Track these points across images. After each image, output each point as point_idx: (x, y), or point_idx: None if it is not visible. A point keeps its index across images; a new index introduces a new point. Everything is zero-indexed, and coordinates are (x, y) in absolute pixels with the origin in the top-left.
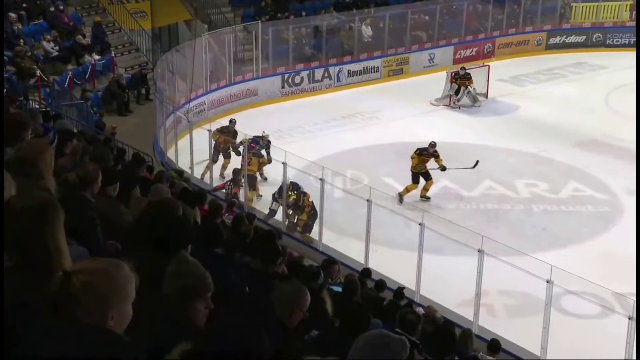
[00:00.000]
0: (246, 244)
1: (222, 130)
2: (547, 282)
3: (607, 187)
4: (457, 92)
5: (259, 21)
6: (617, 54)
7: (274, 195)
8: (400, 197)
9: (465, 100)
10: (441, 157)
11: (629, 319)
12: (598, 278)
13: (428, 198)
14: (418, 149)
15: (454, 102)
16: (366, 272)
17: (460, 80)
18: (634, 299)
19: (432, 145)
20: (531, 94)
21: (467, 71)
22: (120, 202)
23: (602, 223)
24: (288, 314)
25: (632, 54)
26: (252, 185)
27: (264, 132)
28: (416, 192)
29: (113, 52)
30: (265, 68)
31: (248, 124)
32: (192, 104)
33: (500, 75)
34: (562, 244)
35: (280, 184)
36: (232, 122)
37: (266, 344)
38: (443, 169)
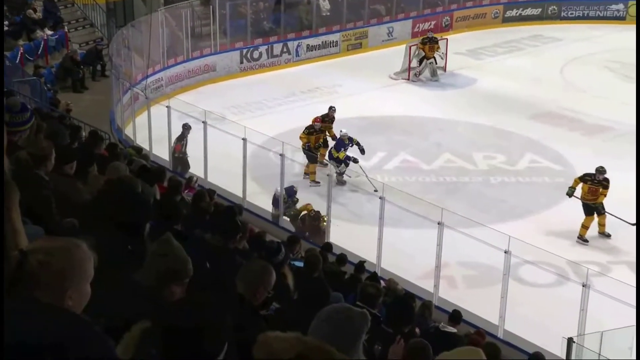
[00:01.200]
0: (206, 220)
1: (310, 132)
2: (505, 252)
3: (563, 158)
4: (421, 62)
5: None
6: (571, 27)
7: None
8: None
9: (426, 72)
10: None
11: (583, 286)
12: (554, 247)
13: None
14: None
15: (415, 74)
16: (327, 247)
17: (429, 44)
18: (588, 267)
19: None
20: (489, 66)
21: (435, 36)
22: (77, 180)
23: (558, 193)
24: (253, 292)
25: (585, 26)
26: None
27: (341, 130)
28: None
29: (66, 28)
30: (224, 43)
31: (207, 100)
32: (150, 80)
33: (458, 49)
34: (520, 214)
35: (275, 193)
36: (332, 109)
37: (227, 318)
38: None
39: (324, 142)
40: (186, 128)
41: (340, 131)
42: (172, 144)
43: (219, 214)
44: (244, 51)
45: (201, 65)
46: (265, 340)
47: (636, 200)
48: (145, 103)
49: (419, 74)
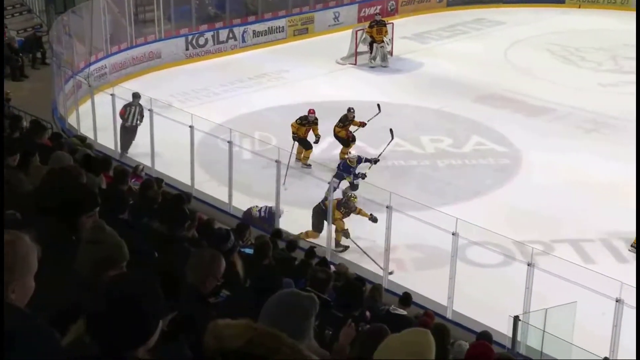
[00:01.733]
0: (154, 209)
1: (302, 123)
2: (452, 234)
3: (507, 139)
4: (370, 49)
5: None
6: (513, 10)
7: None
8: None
9: (377, 59)
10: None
11: (528, 265)
12: (501, 228)
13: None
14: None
15: (371, 59)
16: (277, 233)
17: (377, 27)
18: (533, 246)
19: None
20: (434, 50)
21: (383, 19)
22: (19, 171)
23: (503, 175)
24: (202, 280)
25: (527, 10)
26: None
27: (350, 152)
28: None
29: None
30: (168, 29)
31: (152, 87)
32: (93, 67)
33: (403, 33)
34: (467, 196)
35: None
36: (350, 111)
37: (160, 300)
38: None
39: (304, 143)
40: (136, 97)
41: (350, 153)
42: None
43: (167, 202)
44: (189, 37)
45: (145, 52)
46: (215, 327)
47: (636, 201)
48: (88, 91)
49: (374, 59)
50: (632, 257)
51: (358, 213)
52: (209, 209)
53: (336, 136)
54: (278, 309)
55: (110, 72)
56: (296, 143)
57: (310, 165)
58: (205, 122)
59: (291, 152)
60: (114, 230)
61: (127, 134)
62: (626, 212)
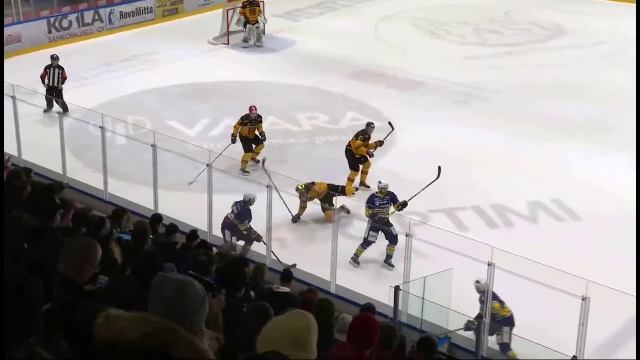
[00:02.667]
0: (23, 200)
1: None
2: (333, 210)
3: (382, 114)
4: (245, 26)
5: None
6: None
7: None
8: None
9: (251, 39)
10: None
11: (406, 235)
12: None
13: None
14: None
15: (245, 39)
16: (156, 218)
17: (250, 7)
18: (410, 217)
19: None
20: (306, 28)
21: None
22: None
23: (379, 149)
24: (78, 270)
25: None
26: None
27: (380, 182)
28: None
29: None
30: (27, 12)
31: (14, 73)
32: None
33: (274, 11)
34: (345, 171)
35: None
36: (370, 126)
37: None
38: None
39: (254, 139)
40: (54, 59)
41: (379, 182)
42: None
43: (36, 192)
44: (52, 20)
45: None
46: (108, 319)
47: (636, 200)
48: None
49: (248, 40)
50: (502, 222)
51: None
52: (85, 198)
53: (349, 153)
54: (168, 301)
55: None
56: (231, 145)
57: (248, 172)
58: (75, 107)
59: (219, 154)
60: None
61: (51, 93)
62: (495, 179)
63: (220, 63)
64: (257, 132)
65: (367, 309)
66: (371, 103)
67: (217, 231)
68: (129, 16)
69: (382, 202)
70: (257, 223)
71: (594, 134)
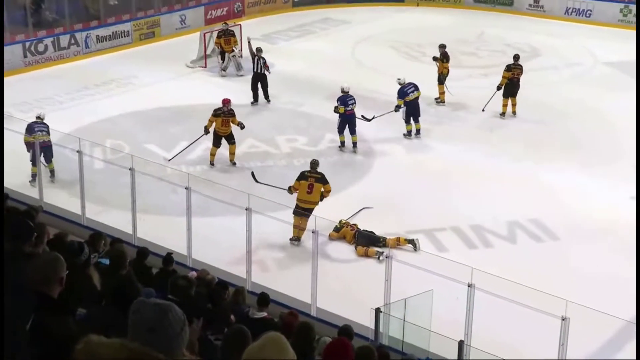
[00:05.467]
0: None
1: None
2: (312, 232)
3: (361, 136)
4: (222, 58)
5: None
6: (358, 9)
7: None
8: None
9: (231, 68)
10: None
11: (387, 257)
12: (359, 222)
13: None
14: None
15: (223, 69)
16: (143, 252)
17: (225, 37)
18: (388, 237)
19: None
20: (284, 51)
21: (230, 28)
22: None
23: (361, 170)
24: (45, 283)
25: (370, 9)
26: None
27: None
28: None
29: None
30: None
31: None
32: None
33: (252, 34)
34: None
35: None
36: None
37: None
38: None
39: (228, 136)
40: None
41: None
42: None
43: (10, 217)
44: (27, 44)
45: None
46: (89, 345)
47: (636, 200)
48: None
49: (225, 69)
50: (481, 242)
51: None
52: (61, 222)
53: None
54: (148, 327)
55: None
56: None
57: (213, 165)
58: (52, 132)
59: (190, 144)
60: None
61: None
62: (473, 199)
63: (198, 86)
64: (232, 126)
65: (344, 331)
66: None
67: (196, 255)
68: (106, 40)
69: (351, 101)
70: (236, 245)
71: (570, 153)
